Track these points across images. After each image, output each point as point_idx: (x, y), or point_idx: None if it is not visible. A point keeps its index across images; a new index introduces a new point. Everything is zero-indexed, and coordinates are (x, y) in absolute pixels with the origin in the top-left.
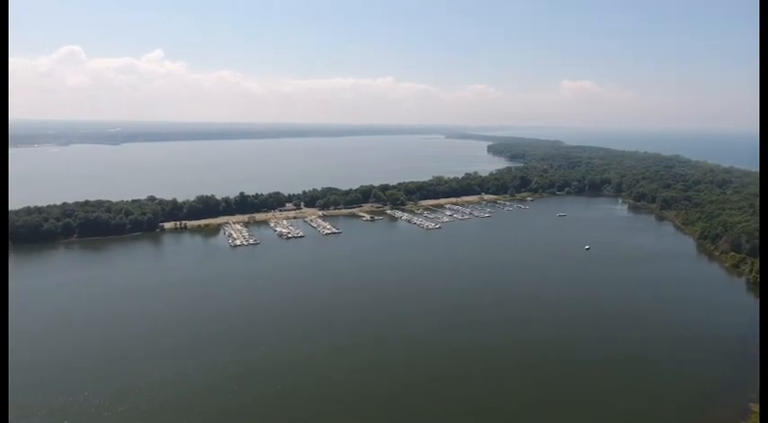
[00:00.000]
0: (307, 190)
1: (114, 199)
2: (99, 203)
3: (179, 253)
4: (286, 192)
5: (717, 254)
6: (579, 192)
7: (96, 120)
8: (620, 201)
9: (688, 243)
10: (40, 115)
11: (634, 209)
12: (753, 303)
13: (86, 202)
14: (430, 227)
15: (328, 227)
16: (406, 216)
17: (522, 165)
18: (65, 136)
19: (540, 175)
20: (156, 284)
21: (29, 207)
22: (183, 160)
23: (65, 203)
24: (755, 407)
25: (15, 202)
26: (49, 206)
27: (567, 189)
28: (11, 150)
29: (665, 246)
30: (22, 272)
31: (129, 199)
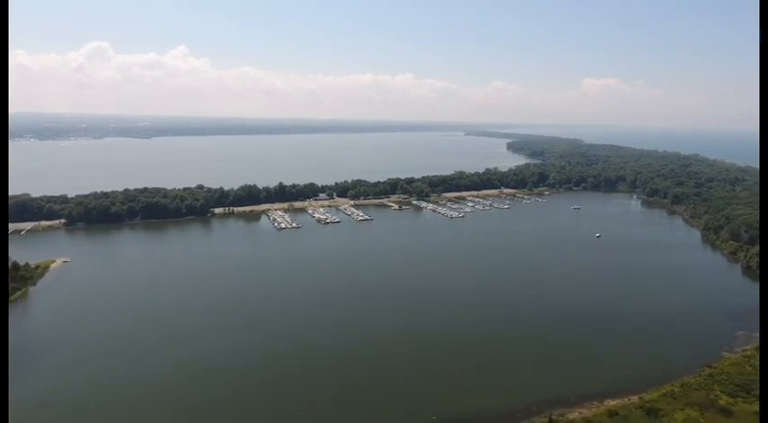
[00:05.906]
0: (339, 181)
1: (168, 187)
2: (156, 190)
3: (237, 233)
4: (320, 183)
5: (718, 243)
6: (595, 188)
7: (126, 114)
8: (635, 196)
9: (694, 234)
10: (75, 109)
11: (647, 204)
12: (740, 283)
13: (145, 189)
14: (453, 216)
15: (361, 214)
16: (430, 206)
17: (540, 162)
18: (99, 129)
19: (558, 171)
20: (242, 256)
21: (95, 192)
22: (215, 154)
23: (126, 190)
24: (726, 354)
25: (75, 189)
26: (113, 191)
27: (583, 185)
28: (51, 142)
29: (672, 235)
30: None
31: (181, 187)
